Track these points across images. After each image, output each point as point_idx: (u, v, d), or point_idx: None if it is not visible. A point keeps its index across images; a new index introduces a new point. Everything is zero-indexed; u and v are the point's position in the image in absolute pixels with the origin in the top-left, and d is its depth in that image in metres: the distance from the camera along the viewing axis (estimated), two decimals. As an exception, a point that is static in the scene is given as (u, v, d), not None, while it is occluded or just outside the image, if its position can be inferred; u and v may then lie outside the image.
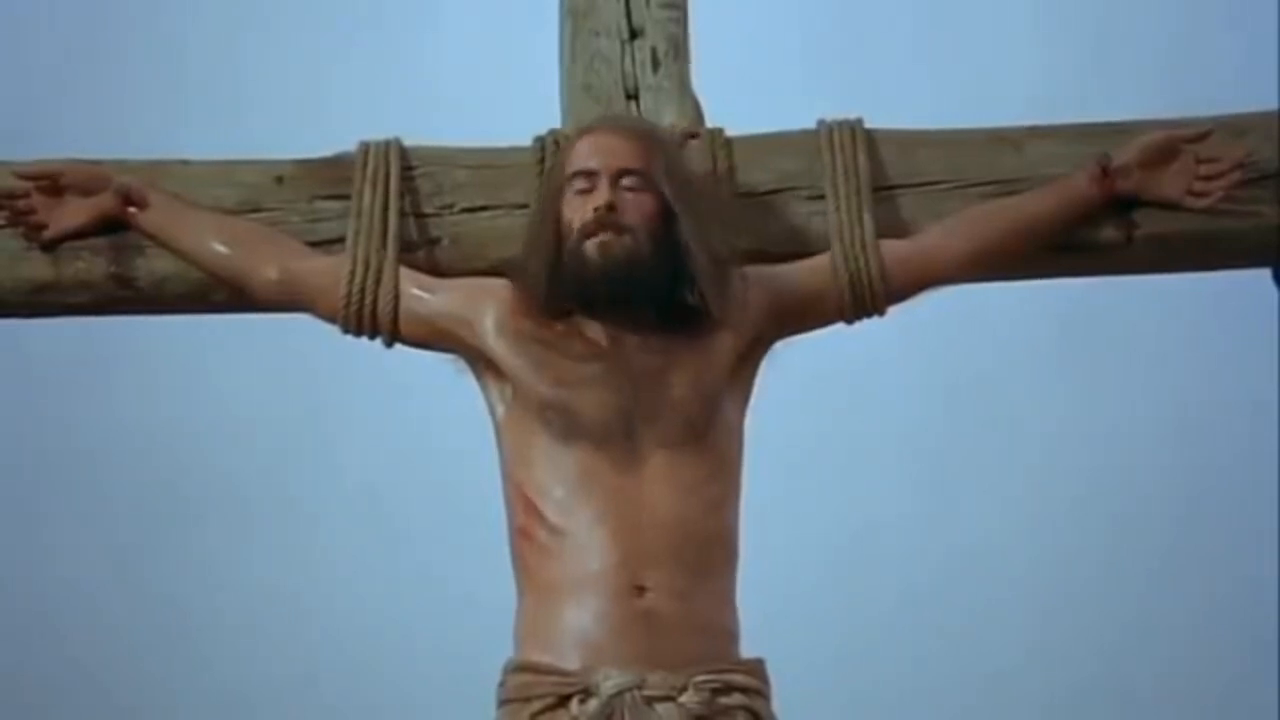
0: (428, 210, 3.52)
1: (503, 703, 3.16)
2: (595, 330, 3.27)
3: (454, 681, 3.64)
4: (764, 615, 3.24)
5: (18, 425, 5.43)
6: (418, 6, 5.59)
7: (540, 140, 3.53)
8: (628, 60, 3.66)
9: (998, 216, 3.47)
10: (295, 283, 3.42)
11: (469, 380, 3.37)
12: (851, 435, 5.41)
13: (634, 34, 3.68)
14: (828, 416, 5.38)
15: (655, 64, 3.66)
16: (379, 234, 3.44)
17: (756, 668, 3.18)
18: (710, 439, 3.23)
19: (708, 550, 3.19)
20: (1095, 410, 5.46)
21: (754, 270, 3.41)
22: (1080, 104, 3.75)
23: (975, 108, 3.71)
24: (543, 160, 3.50)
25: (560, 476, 3.19)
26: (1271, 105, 3.58)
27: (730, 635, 3.19)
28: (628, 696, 3.05)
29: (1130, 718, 5.33)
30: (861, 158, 3.50)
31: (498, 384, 3.31)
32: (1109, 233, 3.50)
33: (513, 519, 3.24)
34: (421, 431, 5.27)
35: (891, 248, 3.43)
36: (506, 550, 3.26)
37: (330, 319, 3.41)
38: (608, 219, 3.23)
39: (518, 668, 3.16)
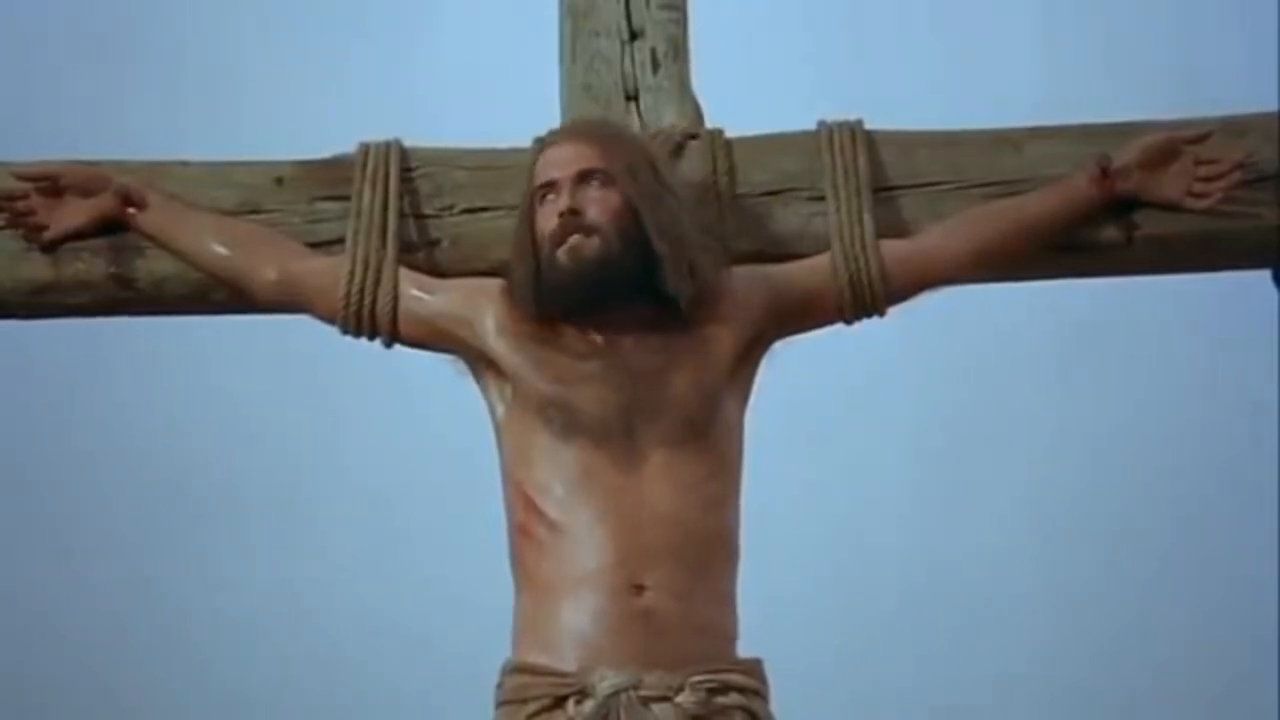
0: (427, 211, 3.52)
1: (500, 704, 3.16)
2: (593, 331, 3.28)
3: (453, 681, 3.64)
4: (764, 615, 3.24)
5: (18, 426, 5.43)
6: (418, 7, 5.59)
7: (540, 141, 3.53)
8: (628, 61, 3.66)
9: (998, 217, 3.47)
10: (295, 283, 3.42)
11: (468, 381, 3.37)
12: (851, 435, 5.41)
13: (634, 34, 3.67)
14: (828, 416, 5.38)
15: (655, 65, 3.66)
16: (379, 235, 3.44)
17: (754, 668, 3.18)
18: (710, 438, 3.23)
19: (707, 550, 3.19)
20: (1095, 410, 5.46)
21: (753, 269, 3.41)
22: (1081, 104, 3.74)
23: (976, 108, 3.71)
24: (543, 161, 3.50)
25: (560, 474, 3.19)
26: (1271, 105, 3.58)
27: (728, 635, 3.19)
28: (624, 697, 3.05)
29: (1130, 718, 5.33)
30: (861, 158, 3.50)
31: (497, 383, 3.32)
32: (1109, 233, 3.50)
33: (512, 517, 3.25)
34: (422, 432, 5.26)
35: (891, 248, 3.43)
36: (506, 551, 3.26)
37: (330, 320, 3.41)
38: (572, 223, 3.25)
39: (515, 669, 3.16)
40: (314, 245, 3.48)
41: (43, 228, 3.48)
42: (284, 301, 3.44)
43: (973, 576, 5.36)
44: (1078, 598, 5.38)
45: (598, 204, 3.26)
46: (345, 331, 3.40)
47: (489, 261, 3.44)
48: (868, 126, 3.55)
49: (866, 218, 3.45)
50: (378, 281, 3.39)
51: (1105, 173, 3.45)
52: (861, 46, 5.49)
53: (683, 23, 3.71)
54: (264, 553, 5.38)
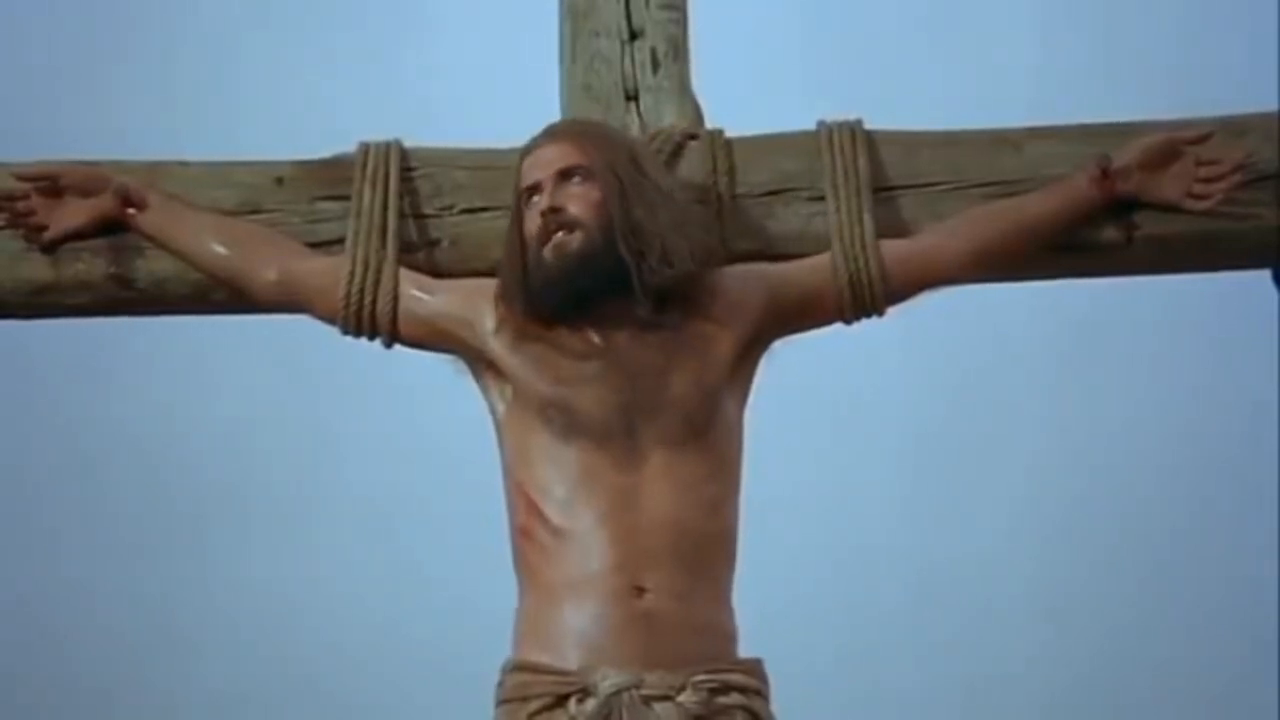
0: (427, 211, 3.53)
1: (501, 702, 3.16)
2: (590, 331, 3.28)
3: (453, 681, 3.64)
4: (763, 615, 3.24)
5: (18, 426, 5.43)
6: (418, 7, 5.59)
7: (524, 148, 3.52)
8: (627, 61, 3.66)
9: (998, 217, 3.47)
10: (294, 283, 3.42)
11: (468, 381, 3.37)
12: (851, 436, 5.41)
13: (634, 34, 3.68)
14: (828, 416, 5.38)
15: (655, 65, 3.66)
16: (379, 235, 3.44)
17: (755, 668, 3.18)
18: (710, 438, 3.23)
19: (707, 550, 3.19)
20: (1095, 411, 5.46)
21: (753, 268, 3.42)
22: (1081, 104, 3.74)
23: (976, 108, 3.71)
24: (542, 161, 3.51)
25: (561, 475, 3.19)
26: (1271, 105, 3.58)
27: (728, 635, 3.19)
28: (625, 696, 3.06)
29: (1129, 719, 5.33)
30: (861, 158, 3.50)
31: (497, 383, 3.32)
32: (1109, 233, 3.50)
33: (514, 518, 3.25)
34: (421, 433, 5.27)
35: (891, 248, 3.44)
36: (505, 552, 3.26)
37: (330, 320, 3.42)
38: (554, 220, 3.26)
39: (516, 667, 3.16)
40: (314, 245, 3.48)
41: (43, 228, 3.48)
42: (284, 301, 3.45)
43: (972, 576, 5.36)
44: (1077, 598, 5.38)
45: (578, 199, 3.27)
46: (345, 331, 3.40)
47: (489, 261, 3.44)
48: (868, 126, 3.56)
49: (866, 218, 3.45)
50: (378, 282, 3.39)
51: (1105, 173, 3.45)
52: (861, 46, 5.50)
53: (683, 23, 3.71)
54: (263, 553, 5.38)
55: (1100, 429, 5.45)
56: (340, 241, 3.46)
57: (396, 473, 5.39)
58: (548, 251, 3.27)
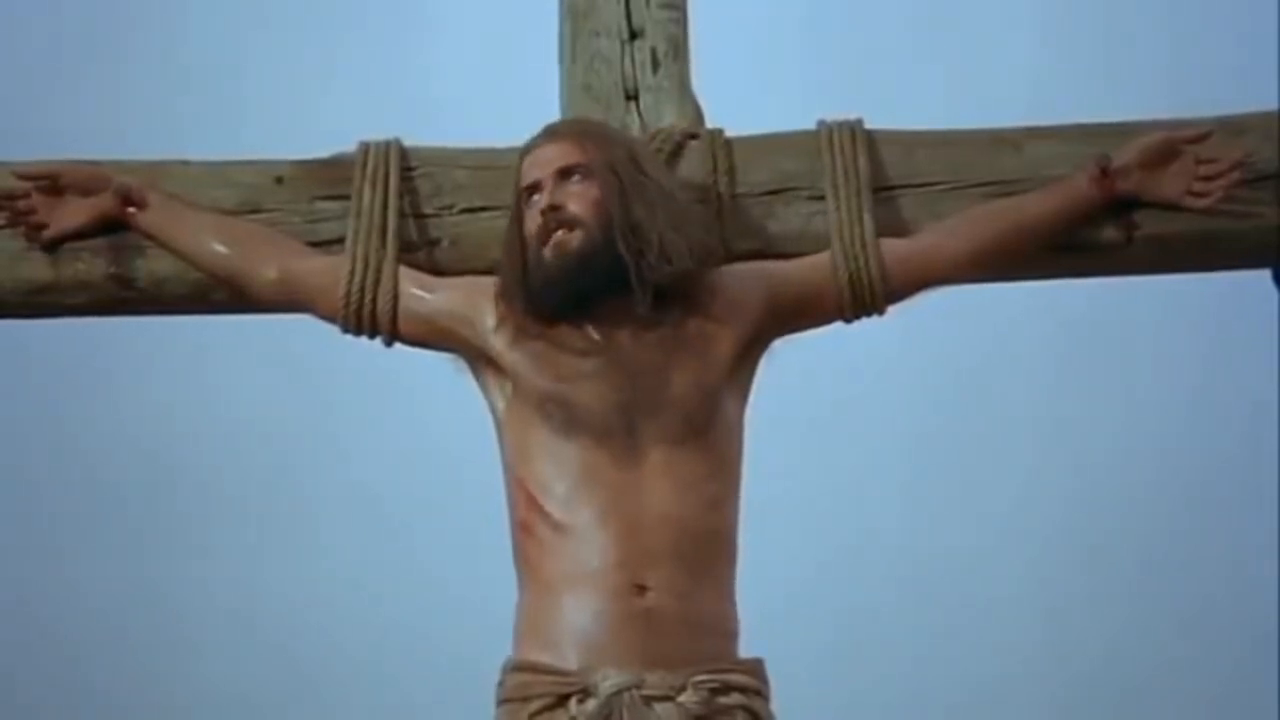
0: (427, 211, 3.53)
1: (501, 702, 3.16)
2: (590, 329, 3.28)
3: (454, 681, 3.64)
4: (764, 614, 3.24)
5: (18, 426, 5.43)
6: (418, 7, 5.59)
7: (524, 147, 3.52)
8: (627, 61, 3.66)
9: (998, 217, 3.47)
10: (295, 282, 3.42)
11: (468, 380, 3.38)
12: (851, 435, 5.41)
13: (634, 34, 3.68)
14: (827, 416, 5.38)
15: (655, 64, 3.66)
16: (379, 234, 3.45)
17: (755, 667, 3.18)
18: (710, 436, 3.23)
19: (708, 549, 3.19)
20: (1095, 410, 5.46)
21: (752, 267, 3.42)
22: (1081, 104, 3.74)
23: (975, 108, 3.71)
24: (543, 161, 3.51)
25: (561, 472, 3.19)
26: (1271, 105, 3.58)
27: (729, 635, 3.19)
28: (626, 696, 3.06)
29: (1129, 718, 5.33)
30: (861, 158, 3.50)
31: (497, 381, 3.32)
32: (1109, 233, 3.50)
33: (514, 514, 3.25)
34: (422, 432, 5.27)
35: (891, 247, 3.44)
36: (506, 551, 3.26)
37: (330, 318, 3.42)
38: (553, 219, 3.27)
39: (516, 667, 3.16)
40: (314, 245, 3.48)
41: (43, 227, 3.48)
42: (284, 301, 3.45)
43: (971, 575, 5.36)
44: (1076, 597, 5.38)
45: (578, 197, 3.28)
46: (345, 330, 3.40)
47: (489, 261, 3.44)
48: (868, 126, 3.56)
49: (866, 217, 3.45)
50: (378, 280, 3.39)
51: (1105, 173, 3.45)
52: (861, 46, 5.49)
53: (683, 23, 3.71)
54: (263, 552, 5.38)
55: (1099, 428, 5.45)
56: (340, 241, 3.46)
57: (397, 472, 5.39)
58: (548, 250, 3.27)
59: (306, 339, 3.54)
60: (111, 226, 3.49)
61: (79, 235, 3.49)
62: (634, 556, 3.13)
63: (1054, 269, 3.56)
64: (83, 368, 5.35)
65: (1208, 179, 3.45)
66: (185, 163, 3.57)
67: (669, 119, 3.60)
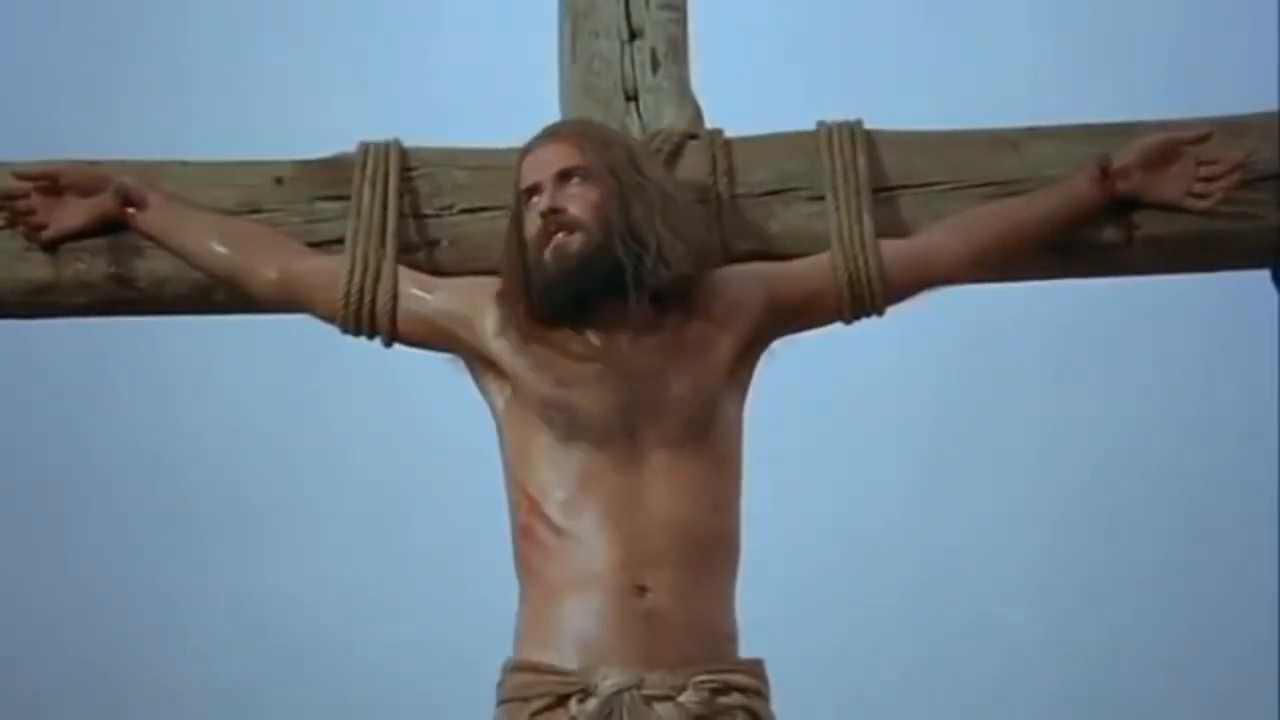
0: (427, 211, 3.53)
1: (502, 702, 3.16)
2: (590, 332, 3.28)
3: (455, 681, 3.64)
4: (764, 615, 3.24)
5: (18, 426, 5.43)
6: (418, 6, 5.59)
7: (523, 149, 3.52)
8: (627, 61, 3.66)
9: (998, 217, 3.47)
10: (294, 283, 3.42)
11: (468, 380, 3.37)
12: (851, 435, 5.41)
13: (634, 35, 3.68)
14: (828, 416, 5.38)
15: (655, 65, 3.66)
16: (378, 234, 3.45)
17: (755, 668, 3.18)
18: (711, 438, 3.23)
19: (709, 550, 3.19)
20: (1095, 411, 5.46)
21: (752, 268, 3.42)
22: (1081, 104, 3.74)
23: (975, 108, 3.71)
24: (542, 161, 3.50)
25: (563, 476, 3.19)
26: (1271, 105, 3.58)
27: (730, 635, 3.19)
28: (626, 696, 3.06)
29: (1129, 717, 5.33)
30: (861, 158, 3.50)
31: (497, 383, 3.32)
32: (1109, 234, 3.50)
33: (515, 518, 3.25)
34: (422, 433, 5.27)
35: (891, 248, 3.43)
36: (507, 550, 3.26)
37: (329, 319, 3.42)
38: (554, 221, 3.27)
39: (517, 667, 3.16)
40: (314, 245, 3.48)
41: (43, 227, 3.48)
42: (284, 301, 3.44)
43: (972, 576, 5.36)
44: (1077, 597, 5.38)
45: (578, 200, 3.27)
46: (345, 330, 3.40)
47: (489, 261, 3.44)
48: (868, 126, 3.55)
49: (866, 217, 3.45)
50: (377, 280, 3.39)
51: (1105, 173, 3.45)
52: (861, 46, 5.49)
53: (683, 23, 3.71)
54: (264, 553, 5.38)
55: (1100, 429, 5.45)
56: (340, 241, 3.46)
57: (399, 472, 5.39)
58: (548, 253, 3.27)
59: (306, 339, 3.54)
60: (111, 226, 3.49)
61: (79, 235, 3.49)
62: (635, 559, 3.13)
63: (1054, 269, 3.55)
64: (83, 368, 5.35)
65: (1208, 180, 3.45)
66: (185, 163, 3.57)
67: (669, 119, 3.60)
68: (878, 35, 5.54)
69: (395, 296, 3.38)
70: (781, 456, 4.23)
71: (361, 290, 3.38)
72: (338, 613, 5.37)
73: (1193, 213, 3.46)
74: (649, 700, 3.06)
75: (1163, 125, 3.52)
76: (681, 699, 3.07)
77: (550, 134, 3.38)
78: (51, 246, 3.50)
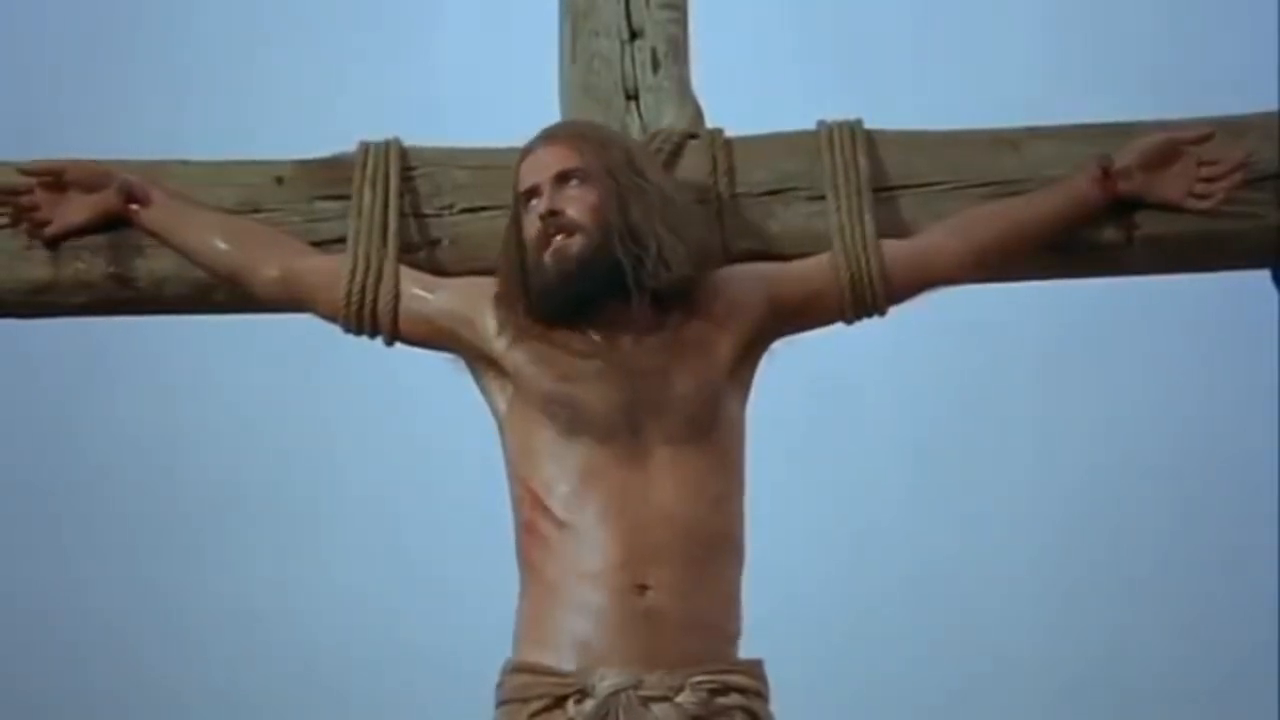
0: (428, 211, 3.53)
1: (501, 703, 3.16)
2: (591, 331, 3.28)
3: (454, 681, 3.64)
4: (764, 615, 3.24)
5: (18, 426, 5.43)
6: (418, 6, 5.59)
7: (522, 151, 3.51)
8: (628, 61, 3.66)
9: (999, 217, 3.47)
10: (296, 281, 3.42)
11: (468, 380, 3.38)
12: (851, 436, 5.41)
13: (634, 35, 3.68)
14: (826, 418, 5.38)
15: (655, 65, 3.66)
16: (379, 233, 3.45)
17: (755, 668, 3.18)
18: (714, 436, 3.23)
19: (712, 548, 3.19)
20: (1095, 411, 5.46)
21: (753, 268, 3.42)
22: (1081, 104, 3.74)
23: (975, 108, 3.71)
24: (542, 161, 3.50)
25: (566, 472, 3.20)
26: (1271, 105, 3.58)
27: (730, 635, 3.19)
28: (624, 697, 3.06)
29: (1129, 717, 5.33)
30: (861, 158, 3.50)
31: (499, 382, 3.32)
32: (1109, 234, 3.50)
33: (518, 515, 3.25)
34: (423, 434, 5.26)
35: (892, 248, 3.44)
36: (507, 551, 3.26)
37: (330, 318, 3.42)
38: (553, 223, 3.27)
39: (515, 668, 3.16)
40: (314, 245, 3.48)
41: (45, 223, 3.49)
42: (285, 299, 3.45)
43: (971, 576, 5.36)
44: (1076, 597, 5.38)
45: (577, 202, 3.28)
46: (346, 330, 3.40)
47: (489, 261, 3.44)
48: (868, 126, 3.55)
49: (867, 217, 3.45)
50: (378, 280, 3.39)
51: (1106, 173, 3.45)
52: (861, 46, 5.49)
53: (683, 23, 3.71)
54: (262, 553, 5.38)
55: (1099, 429, 5.45)
56: (340, 241, 3.46)
57: (399, 473, 5.39)
58: (547, 256, 3.27)
59: (306, 339, 3.54)
60: (114, 223, 3.49)
61: (82, 232, 3.49)
62: (637, 556, 3.13)
63: (1054, 269, 3.56)
64: (83, 368, 5.35)
65: (1209, 180, 3.45)
66: (185, 162, 3.57)
67: (669, 119, 3.60)
68: (878, 35, 5.54)
69: (397, 296, 3.38)
70: (781, 456, 4.22)
71: (363, 289, 3.39)
72: (337, 613, 5.37)
73: (1193, 213, 3.46)
74: (646, 701, 3.06)
75: (1163, 125, 3.52)
76: (679, 699, 3.07)
77: (549, 136, 3.38)
78: (53, 244, 3.50)
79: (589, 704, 3.06)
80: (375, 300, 3.38)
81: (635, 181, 3.31)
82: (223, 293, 3.49)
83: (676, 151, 3.55)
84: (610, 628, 3.10)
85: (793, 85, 5.23)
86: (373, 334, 3.40)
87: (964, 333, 5.21)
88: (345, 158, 3.54)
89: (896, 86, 5.18)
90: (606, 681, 3.07)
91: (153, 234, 3.48)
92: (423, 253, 3.50)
